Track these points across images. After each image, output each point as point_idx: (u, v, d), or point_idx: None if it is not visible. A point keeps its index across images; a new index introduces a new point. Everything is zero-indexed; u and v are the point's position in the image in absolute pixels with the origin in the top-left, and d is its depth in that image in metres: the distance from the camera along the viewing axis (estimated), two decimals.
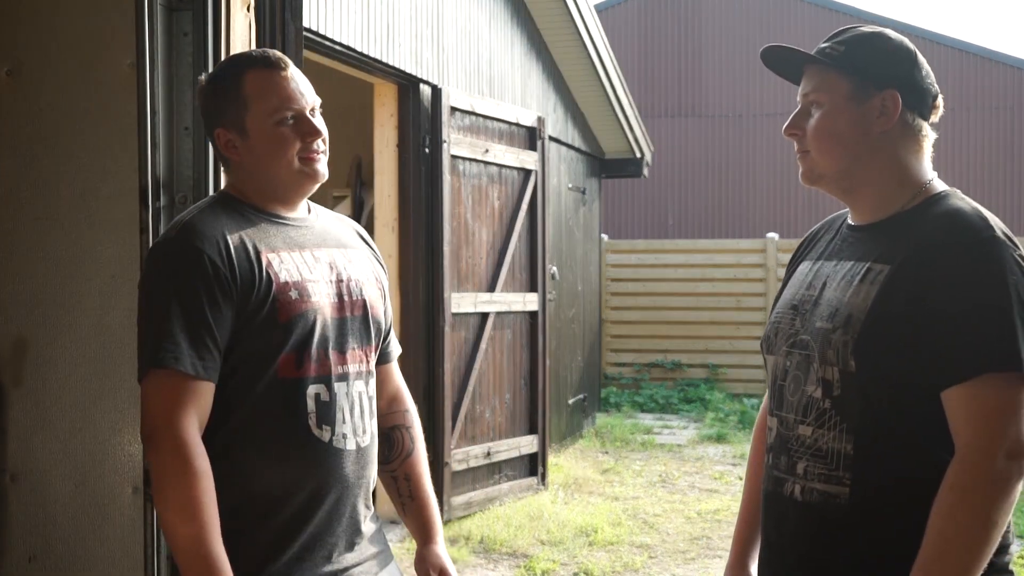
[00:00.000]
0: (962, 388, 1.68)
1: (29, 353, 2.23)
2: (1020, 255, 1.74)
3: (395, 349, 2.24)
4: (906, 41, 1.89)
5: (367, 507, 2.04)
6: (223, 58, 2.37)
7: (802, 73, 1.93)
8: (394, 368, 2.24)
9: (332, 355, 1.97)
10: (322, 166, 2.03)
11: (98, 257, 2.22)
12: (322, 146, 2.03)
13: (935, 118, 1.90)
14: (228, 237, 1.91)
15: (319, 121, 2.02)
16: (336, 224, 2.15)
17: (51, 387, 2.22)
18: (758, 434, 2.11)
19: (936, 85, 1.90)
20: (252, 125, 1.97)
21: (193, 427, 1.82)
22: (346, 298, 2.02)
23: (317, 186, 2.05)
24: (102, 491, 2.21)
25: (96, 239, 2.22)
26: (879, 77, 1.84)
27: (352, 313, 2.03)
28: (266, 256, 1.93)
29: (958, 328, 1.69)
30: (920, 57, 1.88)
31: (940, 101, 1.89)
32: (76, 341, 2.22)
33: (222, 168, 2.08)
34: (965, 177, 14.58)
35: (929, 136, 1.89)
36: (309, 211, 2.10)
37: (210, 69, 2.33)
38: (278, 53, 2.02)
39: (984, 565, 1.67)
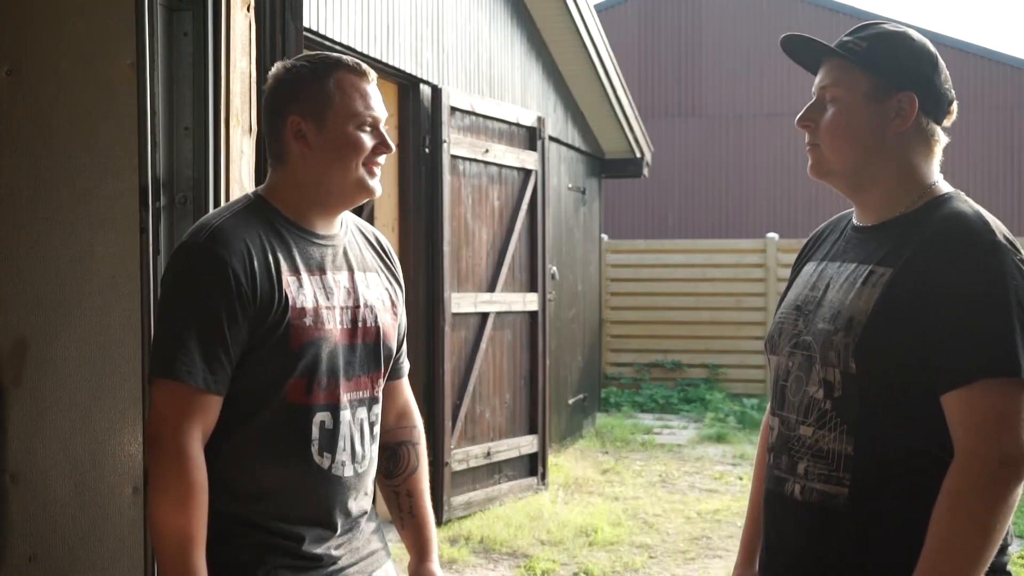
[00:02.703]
0: (961, 393, 1.68)
1: (29, 353, 2.23)
2: (1021, 259, 1.73)
3: (405, 365, 2.23)
4: (928, 44, 1.87)
5: (366, 516, 2.05)
6: (223, 58, 2.37)
7: (820, 64, 1.91)
8: (404, 384, 2.23)
9: (341, 383, 1.96)
10: (378, 182, 2.02)
11: (98, 257, 2.21)
12: (384, 161, 2.02)
13: (948, 123, 1.88)
14: (253, 251, 1.88)
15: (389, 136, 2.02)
16: (359, 238, 2.12)
17: (51, 387, 2.22)
18: (765, 433, 2.11)
19: (953, 91, 1.88)
20: (332, 121, 1.95)
21: (196, 439, 1.83)
22: (359, 325, 2.00)
23: (366, 200, 2.03)
24: (102, 491, 2.21)
25: (96, 239, 2.22)
26: (899, 78, 1.82)
27: (364, 341, 2.01)
28: (287, 278, 1.91)
29: (957, 333, 1.68)
30: (940, 61, 1.87)
31: (955, 107, 1.88)
32: (76, 341, 2.21)
33: (271, 163, 2.03)
34: (965, 177, 14.57)
35: (941, 141, 1.88)
36: (341, 224, 2.07)
37: (210, 69, 2.33)
38: (365, 65, 2.02)
39: (984, 570, 1.67)
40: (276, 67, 2.04)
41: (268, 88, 2.01)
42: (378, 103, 2.00)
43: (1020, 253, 1.74)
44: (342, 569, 1.98)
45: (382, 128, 2.01)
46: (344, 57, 2.01)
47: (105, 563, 2.20)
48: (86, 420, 2.21)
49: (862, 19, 15.90)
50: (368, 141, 1.97)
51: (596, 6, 14.95)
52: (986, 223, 1.75)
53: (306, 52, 2.15)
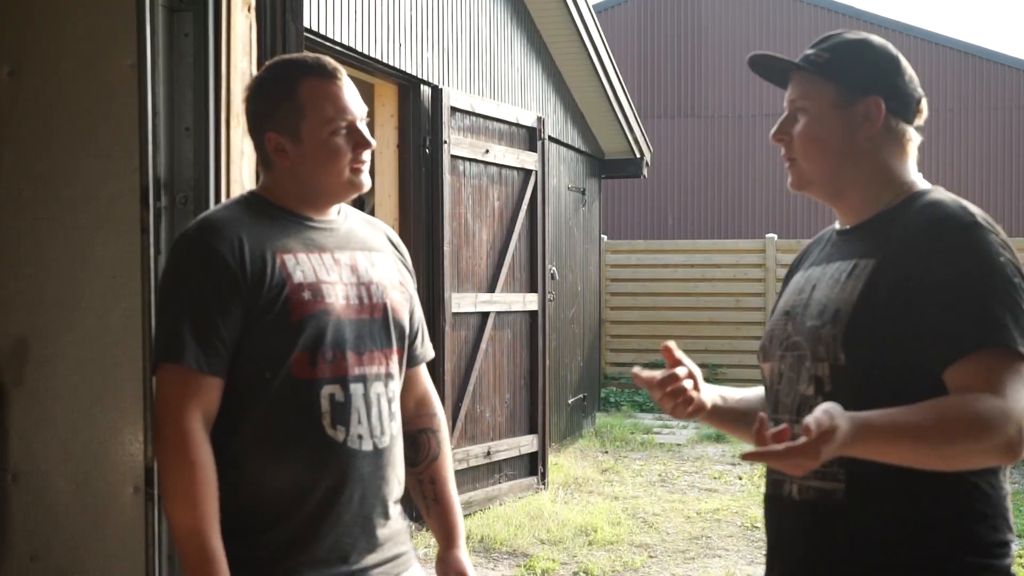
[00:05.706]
0: (964, 363, 1.65)
1: (30, 353, 2.23)
2: (1002, 239, 1.75)
3: (426, 352, 2.23)
4: (889, 47, 1.92)
5: (389, 507, 2.04)
6: (224, 59, 2.37)
7: (789, 78, 1.95)
8: (423, 371, 2.24)
9: (349, 356, 1.97)
10: (366, 176, 2.06)
11: (98, 257, 2.22)
12: (368, 156, 2.05)
13: (919, 121, 1.92)
14: (244, 236, 1.93)
15: (367, 131, 2.04)
16: (364, 227, 2.15)
17: (52, 387, 2.23)
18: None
19: (920, 89, 1.92)
20: (307, 133, 1.98)
21: (196, 420, 1.86)
22: (366, 300, 2.02)
23: (358, 194, 2.08)
24: (103, 491, 2.21)
25: (96, 239, 2.22)
26: (862, 83, 1.86)
27: (372, 315, 2.03)
28: (280, 256, 1.95)
29: (949, 309, 1.68)
30: (903, 62, 1.91)
31: (924, 105, 1.91)
32: (77, 341, 2.22)
33: (261, 168, 2.09)
34: (964, 177, 14.57)
35: (914, 140, 1.91)
36: (339, 212, 2.11)
37: (211, 70, 2.34)
38: (333, 62, 2.03)
39: (899, 452, 1.63)
40: (250, 81, 2.08)
41: (244, 103, 2.07)
42: (350, 100, 2.02)
43: (1000, 233, 1.76)
44: (366, 569, 1.98)
45: (359, 125, 2.03)
46: (308, 60, 2.03)
47: (107, 562, 2.21)
48: (87, 420, 2.22)
49: (862, 19, 15.90)
50: (346, 145, 2.00)
51: (596, 6, 14.96)
52: (964, 208, 1.78)
53: (276, 59, 2.17)
